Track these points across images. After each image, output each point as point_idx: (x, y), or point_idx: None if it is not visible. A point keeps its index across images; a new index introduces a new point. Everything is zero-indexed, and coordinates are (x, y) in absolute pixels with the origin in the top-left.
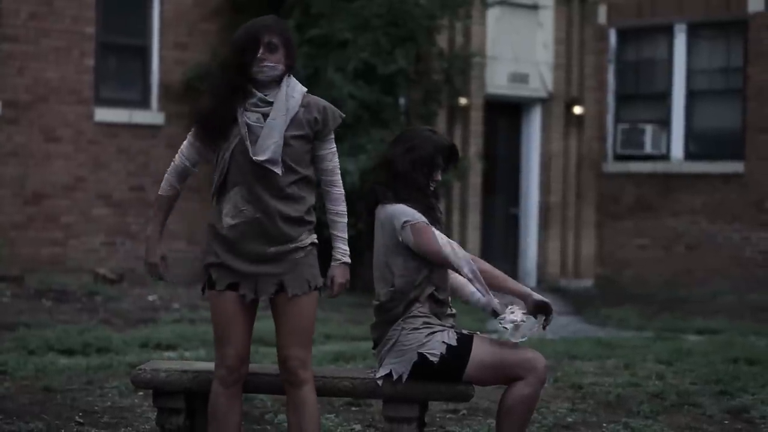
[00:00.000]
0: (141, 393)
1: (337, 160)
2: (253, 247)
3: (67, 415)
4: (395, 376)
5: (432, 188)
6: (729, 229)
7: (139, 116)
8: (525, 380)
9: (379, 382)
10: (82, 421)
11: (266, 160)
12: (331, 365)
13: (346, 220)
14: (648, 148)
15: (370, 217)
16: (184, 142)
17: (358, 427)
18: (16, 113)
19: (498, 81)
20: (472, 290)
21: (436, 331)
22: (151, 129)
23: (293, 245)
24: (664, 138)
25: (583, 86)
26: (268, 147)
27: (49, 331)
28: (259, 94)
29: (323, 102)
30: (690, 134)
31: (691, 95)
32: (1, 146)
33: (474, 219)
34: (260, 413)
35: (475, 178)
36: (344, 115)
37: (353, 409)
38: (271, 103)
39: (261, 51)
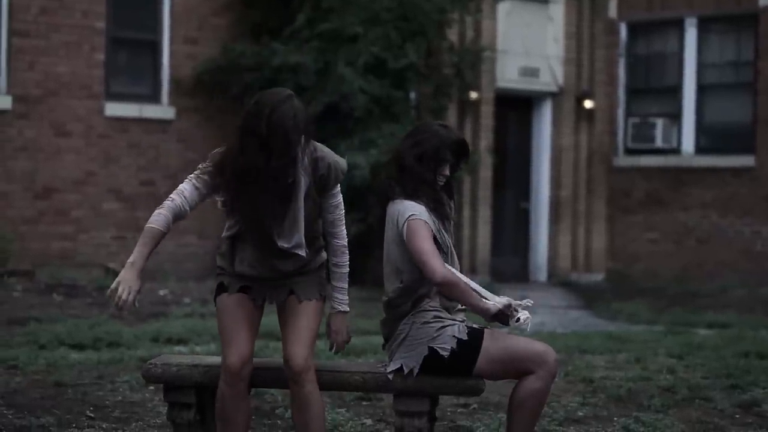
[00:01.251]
0: (152, 387)
1: (340, 211)
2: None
3: (78, 410)
4: (406, 371)
5: (441, 183)
6: (739, 223)
7: (150, 111)
8: (536, 374)
9: (390, 377)
10: (93, 415)
11: (292, 247)
12: (341, 359)
13: (346, 270)
14: (659, 142)
15: (381, 211)
16: (187, 185)
17: (368, 421)
18: (26, 108)
19: (508, 75)
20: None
21: (446, 326)
22: (161, 123)
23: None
24: (674, 132)
25: (593, 80)
26: (293, 235)
27: (60, 325)
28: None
29: (328, 158)
30: (700, 128)
31: (702, 89)
32: (11, 141)
33: (484, 213)
34: (271, 408)
35: (486, 173)
36: (346, 169)
37: (364, 403)
38: (290, 185)
39: (290, 154)
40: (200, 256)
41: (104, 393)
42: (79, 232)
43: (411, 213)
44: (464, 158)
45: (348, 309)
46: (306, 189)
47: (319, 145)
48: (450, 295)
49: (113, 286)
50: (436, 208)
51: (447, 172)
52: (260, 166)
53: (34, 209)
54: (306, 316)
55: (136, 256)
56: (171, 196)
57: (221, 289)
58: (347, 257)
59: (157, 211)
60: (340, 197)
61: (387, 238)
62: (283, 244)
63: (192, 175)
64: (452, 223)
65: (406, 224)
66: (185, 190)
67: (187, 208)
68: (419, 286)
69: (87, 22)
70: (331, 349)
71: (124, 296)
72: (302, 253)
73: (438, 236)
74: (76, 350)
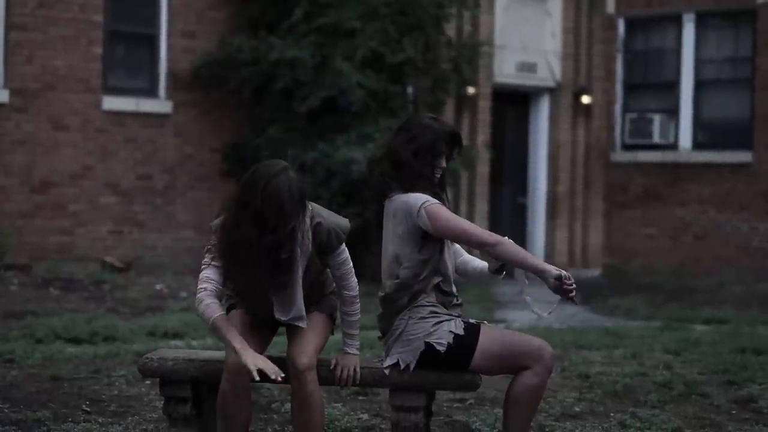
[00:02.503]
0: (148, 382)
1: (347, 266)
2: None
3: (74, 404)
4: (402, 366)
5: (437, 176)
6: (737, 218)
7: (147, 105)
8: (532, 369)
9: (386, 372)
10: (89, 409)
11: (289, 320)
12: (338, 354)
13: (357, 318)
14: (656, 138)
15: (378, 207)
16: (208, 271)
17: (365, 416)
18: (24, 101)
19: (506, 70)
20: (474, 265)
21: (443, 321)
22: (158, 117)
23: None
24: (672, 127)
25: (591, 76)
26: (291, 308)
27: (57, 319)
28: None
29: (327, 223)
30: (698, 124)
31: (700, 85)
32: (9, 134)
33: (481, 208)
34: (267, 402)
35: (483, 168)
36: (348, 228)
37: (360, 398)
38: (286, 260)
39: (285, 227)
40: (197, 251)
41: (100, 387)
42: (76, 226)
43: (424, 200)
44: (458, 148)
45: (358, 352)
46: (308, 258)
47: (317, 209)
48: (505, 254)
49: (254, 369)
50: None
51: (443, 164)
52: (253, 239)
53: (31, 203)
54: (314, 323)
55: (236, 341)
56: (200, 286)
57: (231, 308)
58: (357, 306)
59: (202, 305)
60: (346, 253)
61: (387, 233)
62: (280, 317)
63: (206, 259)
64: None
65: (423, 211)
66: (209, 275)
67: (221, 287)
68: (415, 282)
69: (84, 15)
70: (338, 383)
71: (269, 368)
72: (302, 324)
73: None
74: (72, 344)
